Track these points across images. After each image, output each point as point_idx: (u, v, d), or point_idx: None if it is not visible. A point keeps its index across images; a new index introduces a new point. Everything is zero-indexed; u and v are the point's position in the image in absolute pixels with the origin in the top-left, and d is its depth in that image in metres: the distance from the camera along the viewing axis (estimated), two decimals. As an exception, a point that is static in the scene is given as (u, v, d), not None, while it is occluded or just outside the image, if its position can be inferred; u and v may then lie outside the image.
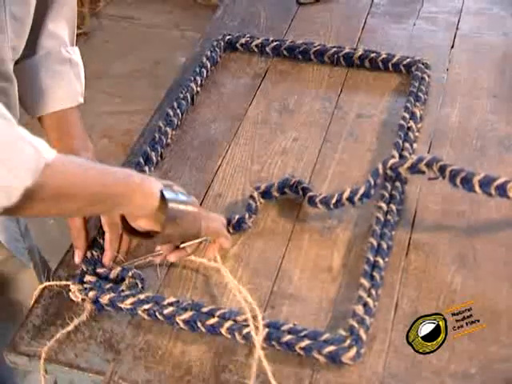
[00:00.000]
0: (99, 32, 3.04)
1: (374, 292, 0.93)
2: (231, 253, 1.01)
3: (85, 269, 0.97)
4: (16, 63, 0.99)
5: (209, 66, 1.33)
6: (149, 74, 2.80)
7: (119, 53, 2.90)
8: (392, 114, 1.23)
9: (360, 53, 1.33)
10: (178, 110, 1.22)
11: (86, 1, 3.04)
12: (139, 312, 0.93)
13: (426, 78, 1.28)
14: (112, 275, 0.97)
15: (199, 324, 0.90)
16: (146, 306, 0.92)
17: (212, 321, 0.90)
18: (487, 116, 1.23)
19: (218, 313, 0.91)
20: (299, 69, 1.35)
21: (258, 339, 0.86)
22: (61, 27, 1.05)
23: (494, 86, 1.30)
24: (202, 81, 1.30)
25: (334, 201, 1.04)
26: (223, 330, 0.90)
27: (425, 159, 1.04)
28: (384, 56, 1.32)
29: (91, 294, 0.94)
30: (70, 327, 0.92)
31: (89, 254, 0.99)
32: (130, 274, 0.96)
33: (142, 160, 1.12)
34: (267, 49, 1.37)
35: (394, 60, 1.31)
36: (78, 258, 0.99)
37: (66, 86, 1.05)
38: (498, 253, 1.00)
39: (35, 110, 1.05)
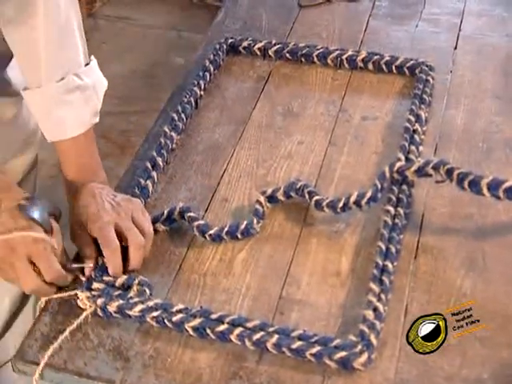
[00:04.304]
0: (96, 33, 3.03)
1: (383, 297, 0.92)
2: (239, 258, 1.01)
3: (93, 276, 0.96)
4: (26, 89, 1.01)
5: (212, 69, 1.32)
6: (146, 75, 2.79)
7: (116, 53, 2.88)
8: (397, 117, 1.23)
9: (363, 55, 1.32)
10: (183, 115, 1.22)
11: (82, 1, 3.02)
12: (148, 319, 0.92)
13: (431, 80, 1.27)
14: (118, 283, 0.96)
15: (208, 331, 0.90)
16: (155, 314, 0.91)
17: (221, 327, 0.90)
18: (492, 118, 1.22)
19: (227, 319, 0.91)
20: (302, 72, 1.34)
21: None
22: (70, 51, 1.02)
23: (498, 87, 1.29)
24: (205, 85, 1.29)
25: (341, 204, 1.03)
26: (233, 337, 0.89)
27: (432, 162, 1.03)
28: (387, 58, 1.31)
29: (99, 301, 0.93)
30: (66, 332, 0.91)
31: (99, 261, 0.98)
32: (136, 281, 0.96)
33: (149, 165, 1.12)
34: (270, 52, 1.36)
35: (398, 62, 1.31)
36: (88, 272, 0.98)
37: (73, 114, 1.03)
38: (508, 255, 1.00)
39: (46, 136, 1.05)
